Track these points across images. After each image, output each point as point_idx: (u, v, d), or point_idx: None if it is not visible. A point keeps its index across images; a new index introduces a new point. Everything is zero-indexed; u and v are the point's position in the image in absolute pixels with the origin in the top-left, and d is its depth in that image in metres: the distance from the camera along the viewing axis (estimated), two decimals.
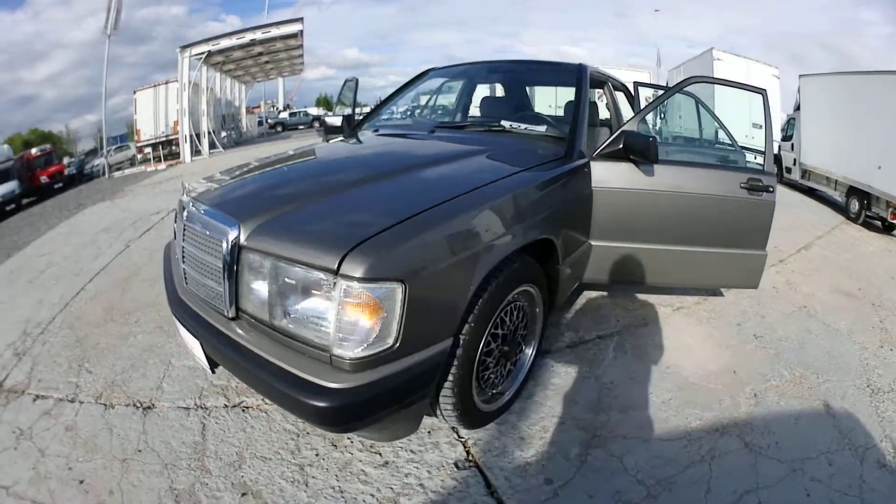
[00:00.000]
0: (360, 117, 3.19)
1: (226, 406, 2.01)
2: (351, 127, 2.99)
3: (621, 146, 2.18)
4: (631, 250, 2.41)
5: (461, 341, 1.45)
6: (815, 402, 2.18)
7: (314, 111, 33.98)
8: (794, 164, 9.41)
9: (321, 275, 1.18)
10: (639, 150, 2.14)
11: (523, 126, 2.49)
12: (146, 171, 15.17)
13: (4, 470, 1.74)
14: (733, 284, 2.75)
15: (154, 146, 18.66)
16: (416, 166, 1.87)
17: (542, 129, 2.48)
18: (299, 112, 34.19)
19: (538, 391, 2.10)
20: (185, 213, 1.63)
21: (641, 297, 3.10)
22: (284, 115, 33.65)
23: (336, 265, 1.15)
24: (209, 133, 17.00)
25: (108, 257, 4.34)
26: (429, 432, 1.75)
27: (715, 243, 2.48)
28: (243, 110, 26.78)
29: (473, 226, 1.46)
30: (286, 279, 1.25)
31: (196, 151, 16.29)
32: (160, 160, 17.72)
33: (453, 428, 1.81)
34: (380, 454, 1.64)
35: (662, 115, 3.77)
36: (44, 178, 17.35)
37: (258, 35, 15.26)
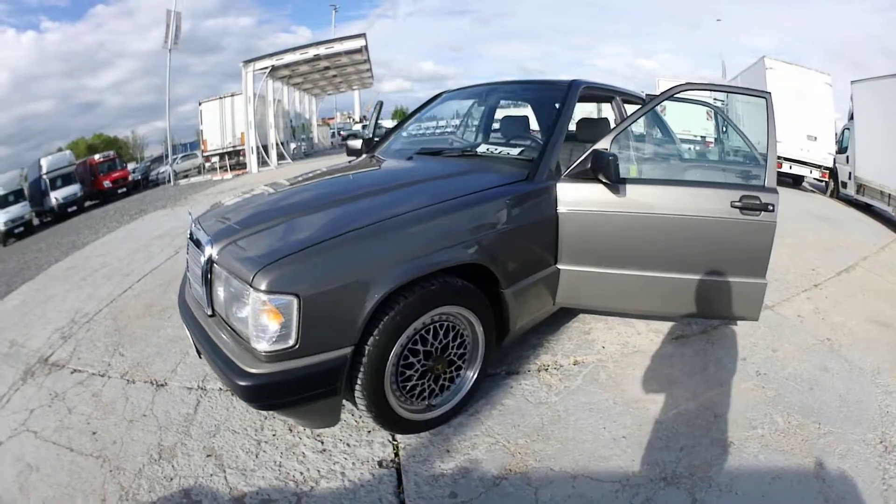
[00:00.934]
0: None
1: (220, 389, 2.54)
2: (367, 149, 3.51)
3: (589, 166, 2.29)
4: (604, 276, 2.44)
5: (366, 350, 1.76)
6: (805, 458, 1.97)
7: (388, 123, 36.00)
8: (850, 177, 9.11)
9: (244, 287, 1.63)
10: (600, 169, 2.23)
11: (497, 150, 2.75)
12: (212, 180, 17.30)
13: (38, 420, 2.40)
14: (729, 316, 2.60)
15: (221, 156, 20.87)
16: (366, 193, 2.27)
17: (515, 152, 2.68)
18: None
19: (485, 410, 2.26)
20: (189, 231, 2.25)
21: (640, 322, 3.09)
22: (357, 127, 35.90)
23: (250, 280, 1.60)
24: (277, 144, 18.66)
25: (158, 261, 5.22)
26: (369, 431, 2.11)
27: (703, 270, 2.42)
28: (314, 122, 29.28)
29: (376, 251, 1.78)
30: (231, 288, 1.74)
31: (263, 162, 17.98)
32: (226, 170, 19.90)
33: (392, 432, 2.13)
34: (322, 443, 2.04)
35: (656, 131, 3.65)
36: (107, 183, 19.74)
37: (321, 50, 16.88)
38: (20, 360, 3.14)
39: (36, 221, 17.26)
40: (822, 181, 10.68)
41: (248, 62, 16.96)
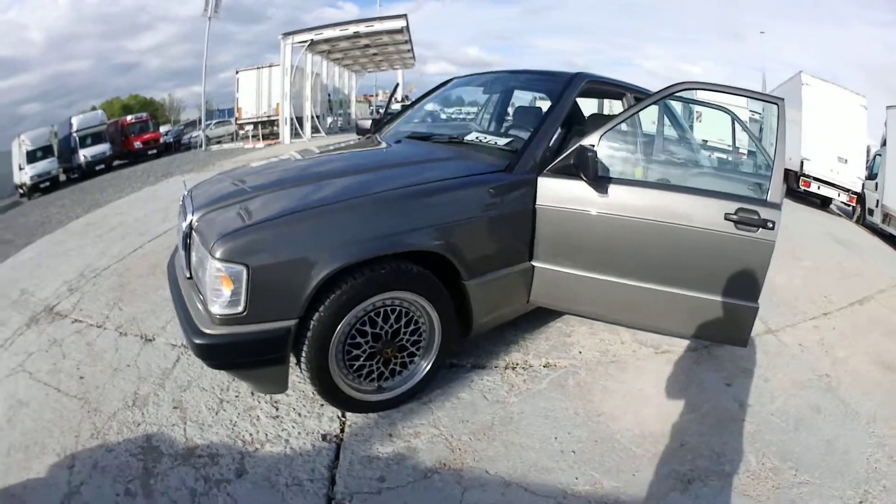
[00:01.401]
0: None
1: None
2: (375, 129, 3.67)
3: (572, 162, 2.28)
4: (580, 279, 2.42)
5: (311, 325, 1.90)
6: None
7: (430, 106, 36.30)
8: (877, 205, 9.12)
9: (206, 253, 1.82)
10: (580, 166, 2.23)
11: (487, 139, 2.81)
12: (243, 148, 17.91)
13: (34, 362, 2.72)
14: (713, 339, 2.51)
15: (255, 125, 21.60)
16: (342, 173, 2.43)
17: (503, 142, 2.73)
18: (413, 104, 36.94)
19: (438, 400, 2.33)
20: (181, 198, 2.49)
21: (625, 331, 3.04)
22: (397, 106, 36.16)
23: (210, 247, 1.79)
24: (312, 117, 19.13)
25: (172, 223, 5.54)
26: (322, 405, 2.27)
27: (687, 285, 2.33)
28: (353, 98, 29.78)
29: (326, 230, 1.91)
30: (199, 254, 1.95)
31: (296, 134, 18.49)
32: (259, 139, 20.64)
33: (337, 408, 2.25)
34: (277, 409, 2.24)
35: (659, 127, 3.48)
36: (137, 144, 20.74)
37: (362, 28, 17.13)
38: (27, 307, 3.50)
39: (63, 178, 18.40)
40: (849, 205, 10.51)
41: (287, 35, 17.40)
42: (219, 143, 21.95)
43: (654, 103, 2.55)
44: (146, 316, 3.23)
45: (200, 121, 22.21)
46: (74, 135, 18.75)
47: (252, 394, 2.37)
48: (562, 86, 2.78)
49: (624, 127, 2.61)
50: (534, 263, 2.48)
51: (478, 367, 2.64)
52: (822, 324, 3.64)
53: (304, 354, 1.96)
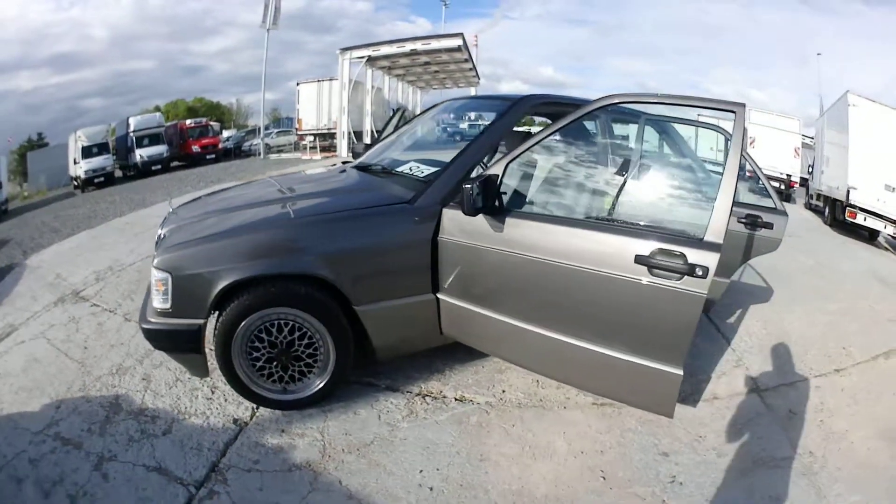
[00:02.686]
0: None
1: None
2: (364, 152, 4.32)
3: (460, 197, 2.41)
4: (482, 317, 2.58)
5: (216, 325, 2.52)
6: None
7: (408, 132, 37.13)
8: None
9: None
10: (460, 200, 2.34)
11: (414, 169, 3.12)
12: (301, 159, 19.83)
13: (54, 332, 3.78)
14: (633, 404, 2.41)
15: (315, 136, 23.57)
16: (276, 200, 3.06)
17: (425, 172, 2.99)
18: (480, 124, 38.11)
19: (336, 410, 2.76)
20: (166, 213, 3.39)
21: None
22: (465, 125, 37.42)
23: (154, 257, 2.59)
24: (372, 132, 20.65)
25: None
26: None
27: (590, 338, 2.26)
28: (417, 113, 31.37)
29: (230, 250, 2.50)
30: None
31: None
32: (316, 150, 22.60)
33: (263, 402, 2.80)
34: (213, 392, 3.00)
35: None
36: (195, 148, 22.94)
37: (419, 46, 18.80)
38: (58, 289, 4.70)
39: (119, 174, 20.92)
40: None
41: (345, 49, 19.43)
42: (279, 152, 24.04)
43: (573, 123, 2.42)
44: None
45: (260, 129, 24.26)
46: (131, 134, 21.14)
47: (199, 378, 3.18)
48: (502, 109, 2.98)
49: (540, 153, 2.65)
50: (438, 296, 2.75)
51: (391, 389, 3.00)
52: (829, 383, 3.28)
53: (212, 347, 2.65)
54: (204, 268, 2.51)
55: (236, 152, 25.97)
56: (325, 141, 23.64)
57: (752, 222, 3.48)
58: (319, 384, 2.75)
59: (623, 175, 2.76)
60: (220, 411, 2.85)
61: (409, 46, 18.99)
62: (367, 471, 2.34)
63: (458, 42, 18.61)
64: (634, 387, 2.25)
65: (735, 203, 2.06)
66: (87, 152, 19.40)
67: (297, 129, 24.60)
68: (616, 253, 2.10)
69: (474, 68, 23.45)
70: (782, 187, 14.90)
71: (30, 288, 4.82)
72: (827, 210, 11.21)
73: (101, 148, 20.18)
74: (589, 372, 2.36)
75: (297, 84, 24.14)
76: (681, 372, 2.09)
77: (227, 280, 2.47)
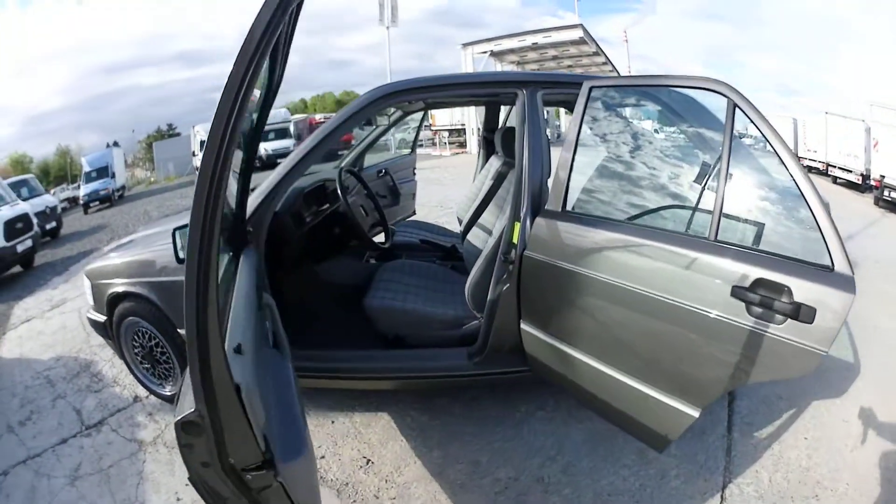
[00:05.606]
0: None
1: None
2: None
3: None
4: None
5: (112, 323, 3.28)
6: None
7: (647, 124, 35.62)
8: None
9: None
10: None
11: None
12: (431, 155, 20.79)
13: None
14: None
15: (450, 132, 24.65)
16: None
17: None
18: None
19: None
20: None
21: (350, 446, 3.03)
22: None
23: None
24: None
25: None
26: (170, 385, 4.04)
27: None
28: (562, 110, 31.29)
29: (118, 270, 3.19)
30: None
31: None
32: (445, 146, 23.76)
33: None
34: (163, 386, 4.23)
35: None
36: None
37: (539, 38, 18.79)
38: None
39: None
40: None
41: (466, 45, 19.98)
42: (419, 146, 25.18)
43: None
44: None
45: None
46: None
47: None
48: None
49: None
50: None
51: None
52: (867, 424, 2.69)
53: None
54: (106, 279, 3.30)
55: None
56: (461, 137, 24.47)
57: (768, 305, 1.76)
58: (167, 389, 3.37)
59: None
60: (132, 389, 3.76)
61: (529, 40, 19.09)
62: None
63: (578, 33, 18.26)
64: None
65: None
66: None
67: (430, 125, 25.60)
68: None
69: (609, 62, 22.82)
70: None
71: None
72: None
73: None
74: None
75: None
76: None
77: (110, 290, 3.24)
